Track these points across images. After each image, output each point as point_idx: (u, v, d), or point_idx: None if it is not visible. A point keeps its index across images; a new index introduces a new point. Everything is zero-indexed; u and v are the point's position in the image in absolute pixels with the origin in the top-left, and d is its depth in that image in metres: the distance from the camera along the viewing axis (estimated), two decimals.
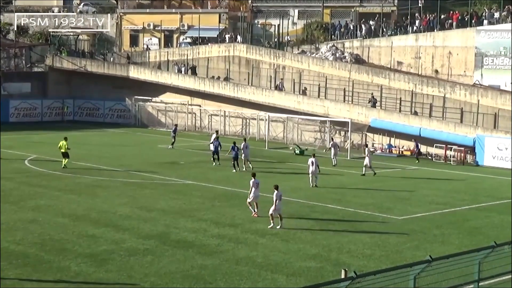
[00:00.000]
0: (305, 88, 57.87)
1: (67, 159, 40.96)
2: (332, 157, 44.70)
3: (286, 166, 44.58)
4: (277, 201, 27.27)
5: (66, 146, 40.88)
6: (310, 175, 36.84)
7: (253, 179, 29.46)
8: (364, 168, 41.24)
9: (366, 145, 45.57)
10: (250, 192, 29.33)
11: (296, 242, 25.30)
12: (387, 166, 45.49)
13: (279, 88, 58.70)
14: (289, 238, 25.78)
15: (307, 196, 34.10)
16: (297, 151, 50.01)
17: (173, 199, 32.83)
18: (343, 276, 15.84)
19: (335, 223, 28.54)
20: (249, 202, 29.43)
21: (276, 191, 27.45)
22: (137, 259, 22.59)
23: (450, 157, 48.37)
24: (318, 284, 16.55)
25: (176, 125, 51.84)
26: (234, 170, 40.81)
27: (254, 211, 29.19)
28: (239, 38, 66.56)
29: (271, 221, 27.21)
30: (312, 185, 36.61)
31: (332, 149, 45.16)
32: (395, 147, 51.98)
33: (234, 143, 42.67)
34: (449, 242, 25.81)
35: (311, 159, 36.88)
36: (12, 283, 19.97)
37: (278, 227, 27.06)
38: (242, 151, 42.37)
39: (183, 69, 65.68)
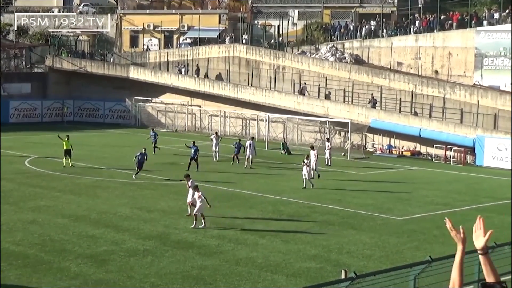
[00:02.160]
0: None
1: (69, 158, 41.30)
2: (326, 157, 45.35)
3: (286, 166, 44.54)
4: (199, 201, 27.08)
5: (69, 144, 41.47)
6: (307, 175, 36.37)
7: (190, 180, 29.35)
8: (312, 172, 37.84)
9: (312, 147, 41.98)
10: (188, 193, 29.07)
11: (296, 242, 25.31)
12: (387, 167, 45.51)
13: (301, 92, 57.17)
14: (289, 239, 25.80)
15: (307, 196, 34.10)
16: (283, 151, 50.23)
17: (173, 199, 32.83)
18: (343, 277, 15.86)
19: (335, 224, 28.55)
20: (189, 203, 28.94)
21: (197, 192, 27.29)
22: (137, 259, 22.61)
23: (450, 157, 48.37)
24: (318, 284, 16.58)
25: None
26: (188, 168, 39.78)
27: (189, 212, 28.90)
28: (240, 38, 66.54)
29: (194, 221, 27.02)
30: (309, 186, 36.37)
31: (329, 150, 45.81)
32: (395, 147, 51.98)
33: (194, 142, 42.62)
34: (449, 243, 25.71)
35: (306, 161, 36.55)
36: (12, 284, 19.98)
37: (201, 226, 26.84)
38: (248, 150, 42.91)
39: (183, 69, 65.66)
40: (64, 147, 41.60)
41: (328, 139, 48.97)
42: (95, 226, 26.84)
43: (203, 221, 27.08)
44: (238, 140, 45.27)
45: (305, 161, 36.55)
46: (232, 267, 21.96)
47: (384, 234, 26.94)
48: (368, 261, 23.11)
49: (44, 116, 69.30)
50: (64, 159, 41.48)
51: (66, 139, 41.98)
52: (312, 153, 39.75)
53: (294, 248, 24.50)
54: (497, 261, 18.47)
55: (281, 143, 52.06)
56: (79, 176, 38.61)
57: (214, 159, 45.33)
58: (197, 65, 65.41)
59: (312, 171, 37.92)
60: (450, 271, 6.90)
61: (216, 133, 49.38)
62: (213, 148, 46.04)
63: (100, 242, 24.39)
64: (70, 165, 41.12)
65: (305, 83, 57.82)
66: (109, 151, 50.31)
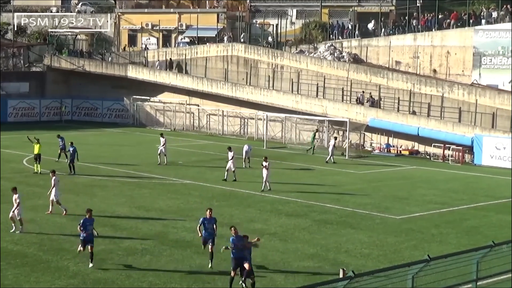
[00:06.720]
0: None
1: (39, 164, 38.85)
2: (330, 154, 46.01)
3: (284, 165, 44.45)
4: (18, 203, 26.03)
5: (39, 148, 39.03)
6: (265, 177, 35.14)
7: (54, 177, 29.09)
8: (234, 174, 37.24)
9: (229, 148, 39.40)
10: (52, 190, 28.84)
11: (294, 241, 25.32)
12: (385, 166, 45.50)
13: (359, 101, 54.76)
14: (287, 238, 25.80)
15: (305, 195, 34.10)
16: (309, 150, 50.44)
17: (171, 198, 32.84)
18: (341, 276, 15.86)
19: (333, 223, 28.56)
20: (51, 200, 28.88)
21: (15, 195, 26.16)
22: (135, 258, 22.62)
23: (448, 156, 48.39)
24: (316, 283, 16.56)
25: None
26: (71, 173, 38.76)
27: (50, 210, 28.91)
28: (238, 37, 66.52)
29: (13, 224, 26.07)
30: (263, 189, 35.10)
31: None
32: (393, 146, 51.98)
33: (72, 143, 39.79)
34: (447, 242, 25.82)
35: (265, 163, 35.24)
36: (10, 283, 19.97)
37: (18, 231, 25.79)
38: (244, 153, 42.91)
39: (163, 64, 65.99)
40: (35, 152, 39.06)
41: (335, 138, 48.86)
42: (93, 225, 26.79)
43: (13, 224, 26.09)
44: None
45: (264, 163, 35.66)
46: (230, 266, 21.93)
47: (382, 233, 26.96)
48: (366, 260, 23.12)
49: (42, 115, 69.28)
50: (35, 164, 39.23)
51: (36, 142, 39.31)
52: (230, 154, 38.43)
53: (292, 247, 24.50)
54: (495, 260, 18.53)
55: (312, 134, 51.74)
56: (77, 175, 38.55)
57: (158, 162, 43.08)
58: (170, 58, 65.73)
59: (234, 173, 36.75)
60: (448, 270, 6.92)
61: (162, 134, 45.87)
62: (159, 150, 43.44)
63: (98, 241, 24.30)
64: (39, 171, 38.57)
65: (363, 91, 54.85)
66: (107, 150, 50.28)
